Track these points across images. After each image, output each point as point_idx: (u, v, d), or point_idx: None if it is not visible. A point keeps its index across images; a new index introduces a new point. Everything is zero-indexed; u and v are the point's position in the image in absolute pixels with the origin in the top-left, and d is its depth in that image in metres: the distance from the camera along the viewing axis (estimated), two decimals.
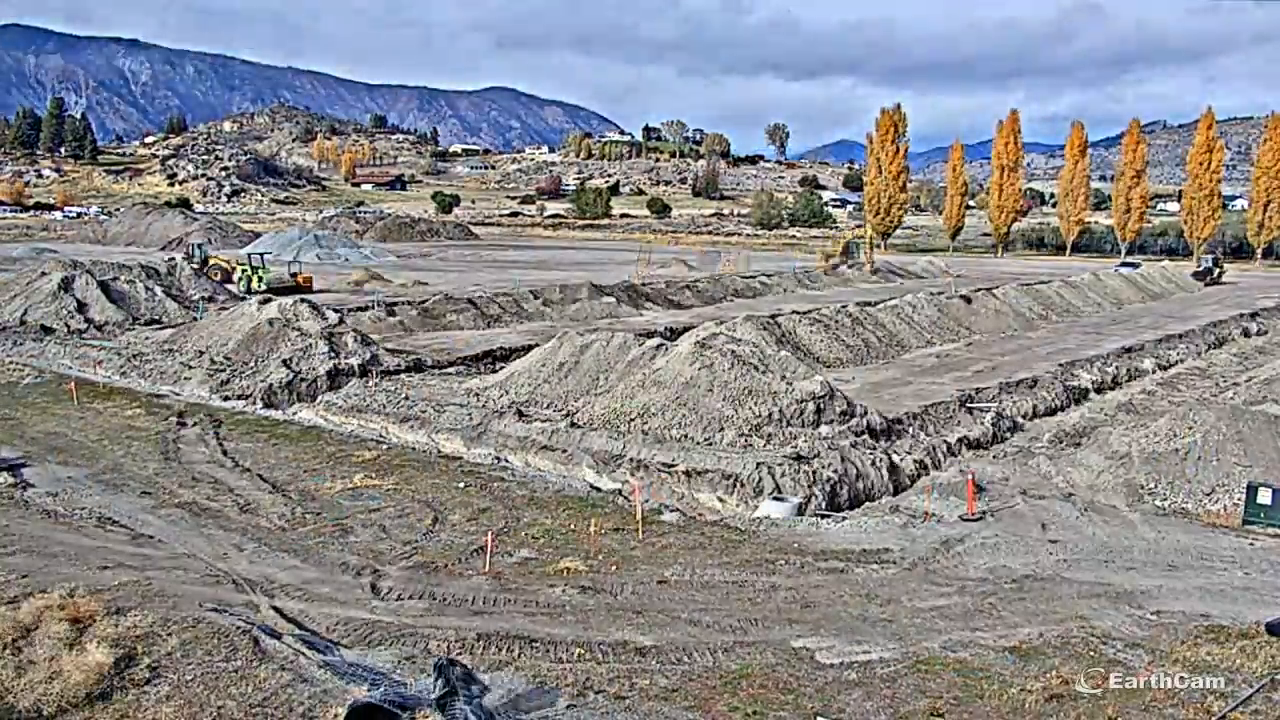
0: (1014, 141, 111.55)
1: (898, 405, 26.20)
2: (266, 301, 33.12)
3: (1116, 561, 15.56)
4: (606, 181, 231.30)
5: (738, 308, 48.57)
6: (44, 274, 41.76)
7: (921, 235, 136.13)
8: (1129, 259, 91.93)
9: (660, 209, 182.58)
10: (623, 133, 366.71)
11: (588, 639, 12.38)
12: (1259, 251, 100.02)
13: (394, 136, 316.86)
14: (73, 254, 57.48)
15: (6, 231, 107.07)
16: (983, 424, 25.29)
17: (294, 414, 26.06)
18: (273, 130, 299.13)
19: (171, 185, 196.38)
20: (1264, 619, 12.86)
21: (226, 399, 27.19)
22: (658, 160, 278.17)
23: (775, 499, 18.43)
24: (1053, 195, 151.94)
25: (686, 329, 36.39)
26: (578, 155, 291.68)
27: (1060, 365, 33.45)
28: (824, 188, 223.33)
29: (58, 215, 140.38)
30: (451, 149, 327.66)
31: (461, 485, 19.45)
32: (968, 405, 26.72)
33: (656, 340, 29.33)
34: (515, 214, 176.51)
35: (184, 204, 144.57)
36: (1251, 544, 16.48)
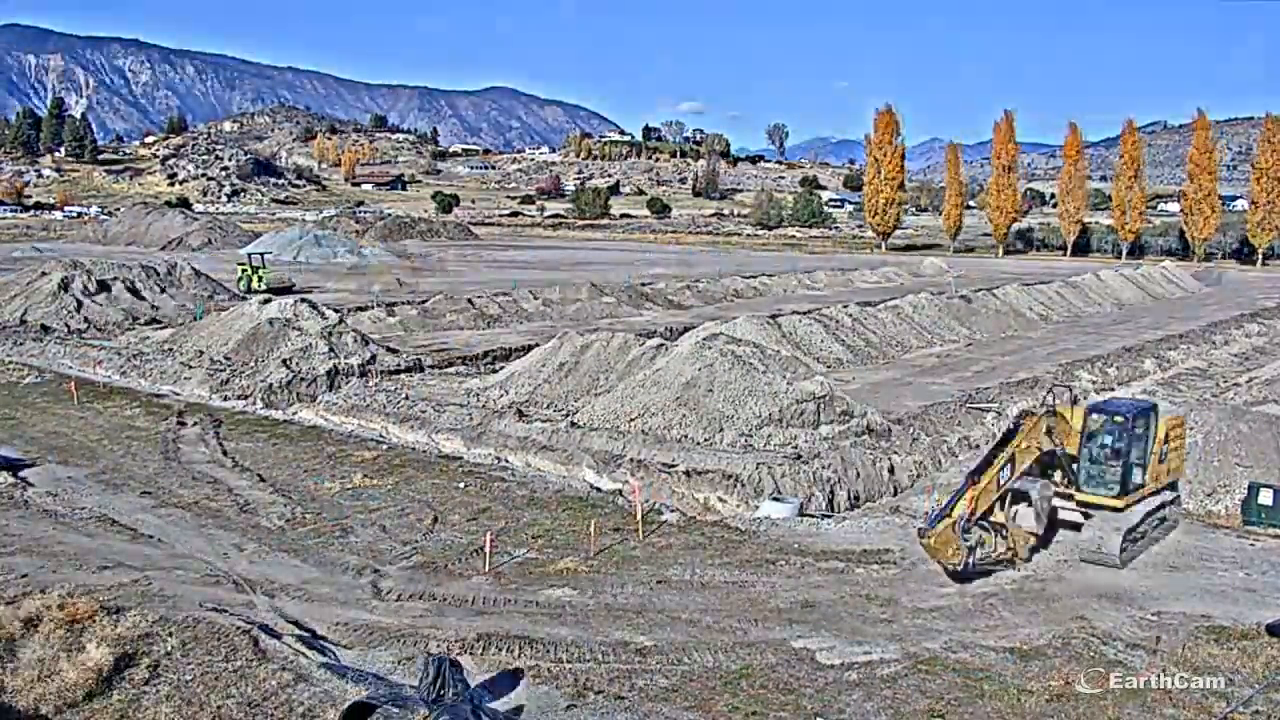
0: (1012, 141, 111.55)
1: (898, 405, 26.20)
2: (267, 302, 33.12)
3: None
4: (606, 181, 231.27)
5: (738, 308, 48.56)
6: (44, 274, 41.76)
7: (921, 235, 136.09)
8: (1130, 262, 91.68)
9: (660, 209, 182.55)
10: (623, 133, 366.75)
11: (588, 639, 12.37)
12: (1259, 251, 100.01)
13: (394, 136, 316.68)
14: (73, 254, 57.47)
15: (6, 231, 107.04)
16: (983, 424, 25.27)
17: (294, 414, 26.04)
18: (273, 130, 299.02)
19: (171, 185, 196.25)
20: (1265, 620, 12.86)
21: (226, 399, 27.18)
22: (657, 160, 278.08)
23: (775, 499, 18.41)
24: (1053, 195, 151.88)
25: (687, 329, 36.39)
26: (578, 155, 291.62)
27: (1061, 365, 33.45)
28: (824, 188, 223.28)
29: (58, 215, 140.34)
30: (451, 149, 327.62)
31: (461, 485, 19.44)
32: (968, 405, 26.70)
33: (657, 340, 29.35)
34: (515, 214, 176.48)
35: (184, 204, 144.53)
36: (1252, 544, 16.47)
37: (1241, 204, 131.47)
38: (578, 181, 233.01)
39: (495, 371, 29.65)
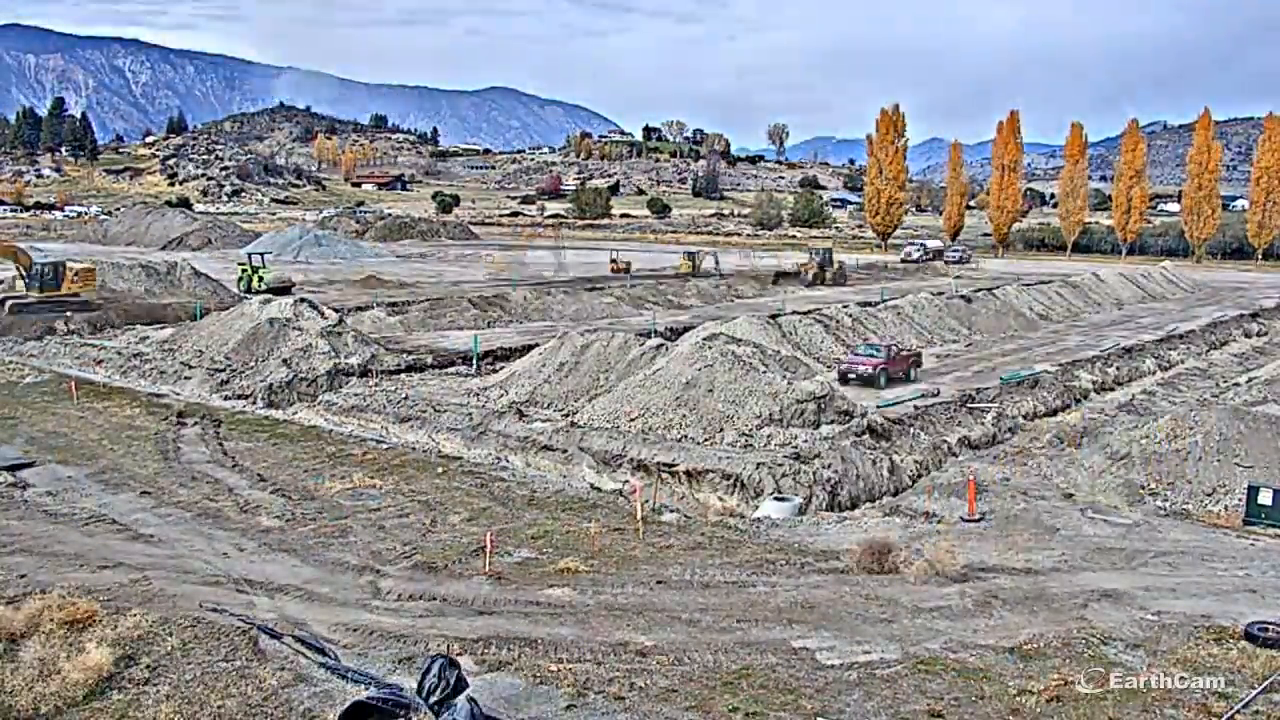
0: (1013, 141, 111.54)
1: (898, 405, 26.19)
2: (267, 302, 33.12)
3: (1116, 561, 15.55)
4: (606, 181, 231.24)
5: (738, 308, 48.57)
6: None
7: (921, 235, 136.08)
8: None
9: (660, 209, 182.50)
10: (623, 133, 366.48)
11: (588, 639, 12.37)
12: (1259, 251, 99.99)
13: (394, 136, 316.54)
14: (73, 254, 57.44)
15: (6, 231, 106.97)
16: (983, 424, 25.28)
17: (294, 414, 26.04)
18: (273, 130, 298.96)
19: (172, 185, 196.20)
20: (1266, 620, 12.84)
21: (226, 399, 27.18)
22: (658, 160, 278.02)
23: (776, 499, 18.41)
24: (1053, 195, 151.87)
25: (687, 329, 36.40)
26: (578, 155, 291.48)
27: (1060, 365, 33.45)
28: (824, 188, 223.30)
29: (58, 215, 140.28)
30: (451, 149, 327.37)
31: (461, 485, 19.43)
32: (968, 405, 26.71)
33: (657, 340, 29.36)
34: (515, 214, 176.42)
35: (184, 204, 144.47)
36: (1252, 544, 16.47)
37: (1241, 204, 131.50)
38: (578, 181, 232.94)
39: (495, 371, 29.67)
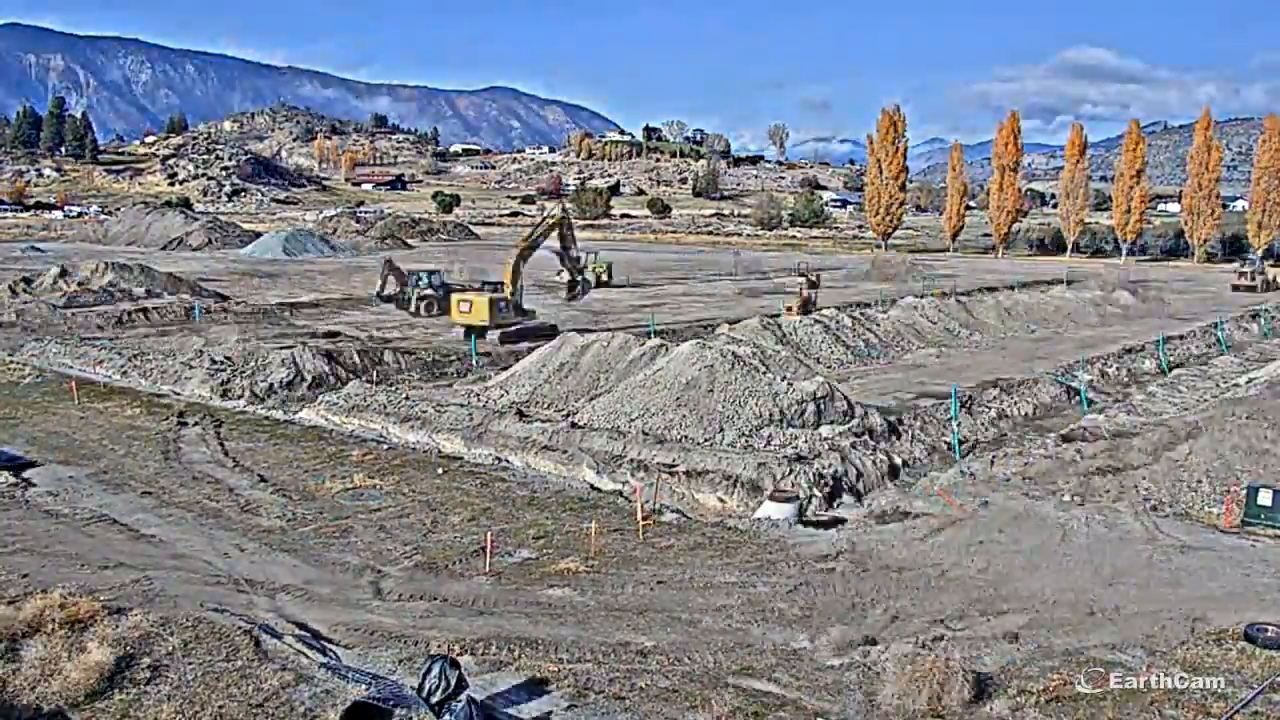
0: (1014, 142, 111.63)
1: (899, 406, 26.20)
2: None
3: (1116, 561, 15.55)
4: (607, 181, 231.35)
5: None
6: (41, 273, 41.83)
7: (922, 235, 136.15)
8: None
9: (661, 209, 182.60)
10: (623, 133, 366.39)
11: (588, 639, 12.38)
12: (1259, 252, 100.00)
13: (394, 136, 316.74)
14: (73, 254, 57.47)
15: (7, 231, 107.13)
16: (983, 424, 25.28)
17: (294, 414, 26.05)
18: (273, 130, 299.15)
19: (172, 185, 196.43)
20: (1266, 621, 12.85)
21: (227, 399, 27.19)
22: (658, 160, 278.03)
23: (776, 498, 18.41)
24: (1053, 196, 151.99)
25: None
26: (578, 155, 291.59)
27: (1061, 366, 33.45)
28: (824, 188, 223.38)
29: (58, 214, 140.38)
30: (451, 149, 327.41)
31: (462, 485, 19.45)
32: (969, 405, 26.70)
33: (657, 340, 29.35)
34: (516, 214, 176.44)
35: (184, 203, 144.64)
36: (1252, 545, 16.48)
37: (1241, 204, 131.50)
38: (578, 181, 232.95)
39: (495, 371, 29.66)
